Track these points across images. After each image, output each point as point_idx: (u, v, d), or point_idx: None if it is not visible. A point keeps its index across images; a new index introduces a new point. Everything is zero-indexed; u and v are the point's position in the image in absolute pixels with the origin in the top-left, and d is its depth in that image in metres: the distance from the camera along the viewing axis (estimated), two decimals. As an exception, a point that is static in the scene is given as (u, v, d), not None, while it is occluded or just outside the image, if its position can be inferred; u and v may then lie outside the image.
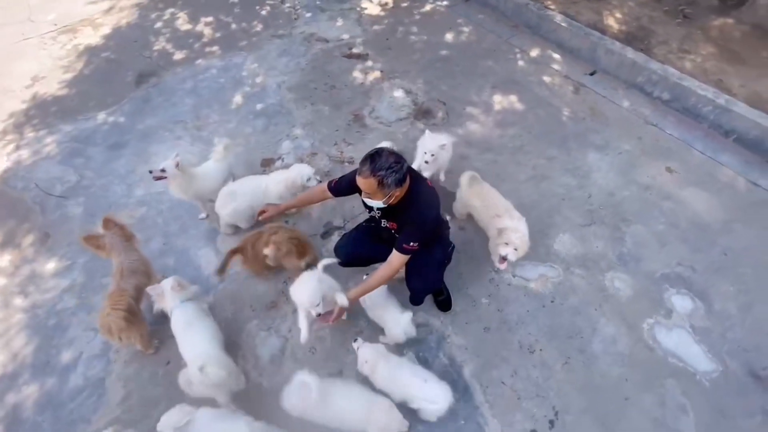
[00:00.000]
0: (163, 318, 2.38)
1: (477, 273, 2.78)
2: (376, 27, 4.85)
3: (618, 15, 4.41)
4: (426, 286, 2.32)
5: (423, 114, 3.85)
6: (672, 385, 2.31)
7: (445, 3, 5.17)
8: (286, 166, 3.37)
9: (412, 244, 2.03)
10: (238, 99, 4.05)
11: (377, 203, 2.05)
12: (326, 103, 3.98)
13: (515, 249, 2.35)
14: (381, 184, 1.90)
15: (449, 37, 4.67)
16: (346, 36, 4.73)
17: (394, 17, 4.98)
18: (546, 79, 4.12)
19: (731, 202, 3.11)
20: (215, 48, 4.67)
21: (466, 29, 4.77)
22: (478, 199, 2.68)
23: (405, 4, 5.19)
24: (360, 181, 1.96)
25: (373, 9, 5.12)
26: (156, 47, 4.76)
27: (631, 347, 2.45)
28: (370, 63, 4.39)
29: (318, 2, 5.28)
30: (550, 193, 3.21)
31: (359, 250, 2.49)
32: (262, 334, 2.57)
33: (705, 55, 3.92)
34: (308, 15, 5.07)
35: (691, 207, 3.09)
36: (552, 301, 2.64)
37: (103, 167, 3.57)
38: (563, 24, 4.32)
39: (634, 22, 4.30)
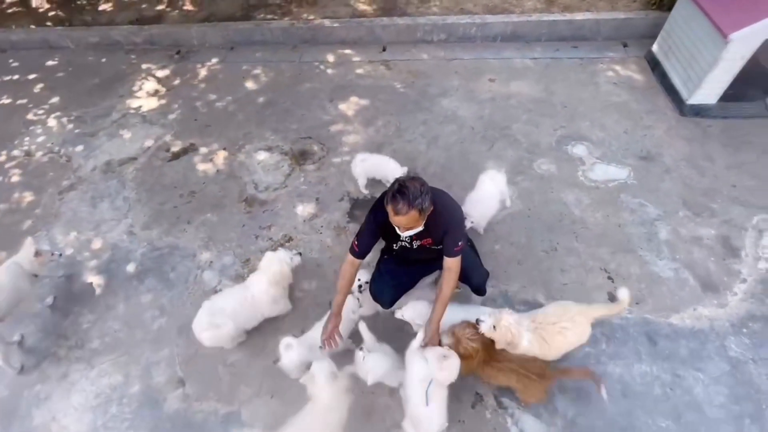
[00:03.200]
0: None
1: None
2: (171, 116, 4.27)
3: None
4: (483, 273, 2.42)
5: (302, 157, 3.72)
6: (625, 197, 3.13)
7: (214, 60, 4.91)
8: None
9: (460, 244, 2.09)
10: (96, 280, 3.03)
11: (417, 229, 2.01)
12: (202, 211, 3.39)
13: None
14: (421, 211, 1.88)
15: (251, 85, 4.52)
16: (149, 142, 4.02)
17: (180, 97, 4.47)
18: (359, 71, 4.51)
19: (536, 76, 4.20)
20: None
21: (258, 71, 4.69)
22: None
23: (177, 82, 4.70)
24: (400, 220, 1.89)
25: (149, 102, 4.45)
26: None
27: (590, 196, 3.17)
28: (204, 149, 3.89)
29: (76, 131, 4.24)
30: (449, 145, 3.66)
31: (401, 285, 2.44)
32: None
33: (438, -3, 4.98)
34: (80, 163, 4.02)
35: (524, 93, 4.04)
36: (529, 209, 3.14)
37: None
38: (335, 25, 4.74)
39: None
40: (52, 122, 4.37)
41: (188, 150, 3.91)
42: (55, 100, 4.64)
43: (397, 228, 1.99)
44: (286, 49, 4.92)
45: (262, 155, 3.77)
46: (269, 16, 5.13)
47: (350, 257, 2.17)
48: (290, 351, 2.21)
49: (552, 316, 2.12)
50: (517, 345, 2.03)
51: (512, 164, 3.45)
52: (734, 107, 3.54)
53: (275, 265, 2.44)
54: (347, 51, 4.76)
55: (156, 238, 3.25)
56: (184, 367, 2.57)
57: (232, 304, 2.39)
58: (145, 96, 4.55)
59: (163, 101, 4.46)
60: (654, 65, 4.04)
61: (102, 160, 3.90)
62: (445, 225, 2.09)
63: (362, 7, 5.03)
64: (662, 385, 2.29)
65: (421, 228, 2.01)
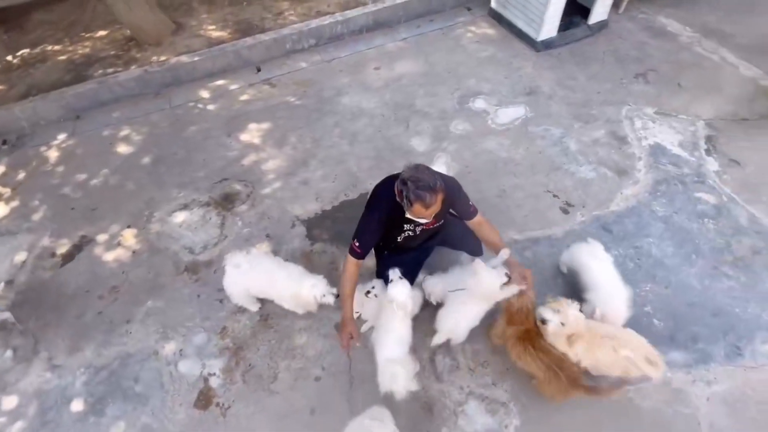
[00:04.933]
0: None
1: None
2: (36, 216, 3.42)
3: (212, 25, 4.79)
4: (475, 237, 2.51)
5: (227, 201, 3.37)
6: (532, 128, 3.61)
7: (62, 137, 4.07)
8: (223, 377, 2.48)
9: (471, 204, 2.22)
10: (33, 443, 2.31)
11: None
12: (139, 302, 2.83)
13: None
14: (441, 193, 1.88)
15: (125, 148, 3.89)
16: (21, 255, 3.16)
17: (36, 191, 3.60)
18: (244, 97, 4.23)
19: (412, 53, 4.50)
20: None
21: (125, 132, 4.04)
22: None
23: (21, 176, 3.77)
24: (430, 212, 1.88)
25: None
26: None
27: (507, 137, 3.56)
28: (102, 236, 3.23)
29: None
30: (370, 137, 3.71)
31: (411, 273, 2.43)
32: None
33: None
34: None
35: (410, 71, 4.30)
36: (467, 167, 3.39)
37: None
38: (195, 59, 4.35)
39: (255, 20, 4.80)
40: None
41: (81, 245, 3.20)
42: None
43: (419, 219, 1.97)
44: (148, 99, 4.33)
45: (180, 216, 3.30)
46: (110, 70, 4.46)
47: (352, 259, 2.11)
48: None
49: (614, 332, 1.96)
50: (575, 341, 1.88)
51: (432, 135, 3.66)
52: (569, 34, 4.33)
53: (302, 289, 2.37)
54: (220, 82, 4.42)
55: (93, 357, 2.61)
56: (211, 474, 2.15)
57: (264, 262, 2.51)
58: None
59: (14, 203, 3.54)
60: (499, 19, 4.68)
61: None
62: (447, 200, 2.08)
63: (215, 34, 4.71)
64: (631, 259, 2.73)
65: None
